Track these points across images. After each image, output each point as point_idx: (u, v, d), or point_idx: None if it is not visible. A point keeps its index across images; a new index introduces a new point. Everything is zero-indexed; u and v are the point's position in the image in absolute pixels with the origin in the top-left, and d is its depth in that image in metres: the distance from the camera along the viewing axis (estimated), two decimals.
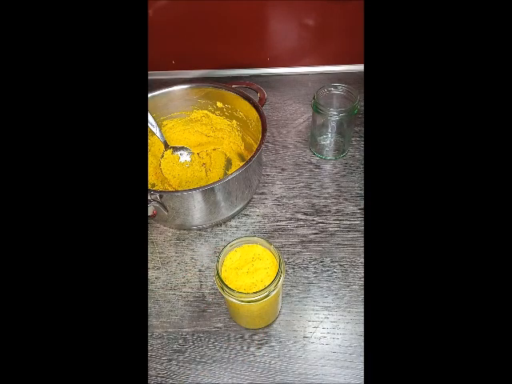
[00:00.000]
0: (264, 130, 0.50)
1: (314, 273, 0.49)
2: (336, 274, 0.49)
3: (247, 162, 0.47)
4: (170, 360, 0.43)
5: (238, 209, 0.54)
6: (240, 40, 0.74)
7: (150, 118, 0.55)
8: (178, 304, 0.47)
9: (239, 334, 0.44)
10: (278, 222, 0.55)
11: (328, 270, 0.49)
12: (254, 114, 0.54)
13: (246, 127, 0.59)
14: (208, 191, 0.46)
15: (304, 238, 0.53)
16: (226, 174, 0.61)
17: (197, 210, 0.49)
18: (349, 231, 0.53)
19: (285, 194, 0.58)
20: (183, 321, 0.46)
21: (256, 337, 0.44)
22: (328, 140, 0.63)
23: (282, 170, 0.62)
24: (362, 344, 0.43)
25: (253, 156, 0.47)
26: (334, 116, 0.57)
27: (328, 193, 0.58)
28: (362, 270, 0.49)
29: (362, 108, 0.68)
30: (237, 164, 0.61)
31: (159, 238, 0.54)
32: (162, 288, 0.49)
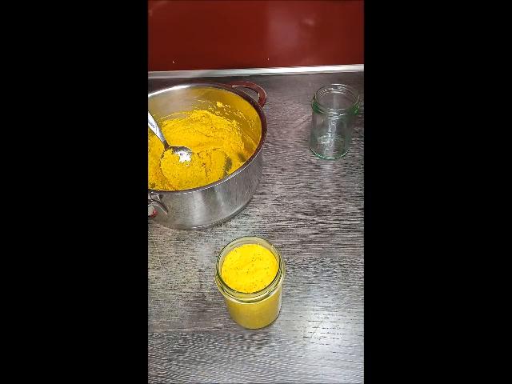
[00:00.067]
0: (264, 130, 0.50)
1: (314, 273, 0.49)
2: (336, 273, 0.49)
3: (247, 162, 0.47)
4: (170, 360, 0.43)
5: (238, 209, 0.54)
6: (240, 40, 0.74)
7: (150, 118, 0.55)
8: (178, 304, 0.47)
9: (239, 334, 0.44)
10: (277, 222, 0.55)
11: (328, 270, 0.49)
12: (253, 113, 0.54)
13: (246, 127, 0.59)
14: (208, 191, 0.46)
15: (304, 238, 0.53)
16: (226, 173, 0.61)
17: (197, 210, 0.49)
18: (349, 231, 0.53)
19: (285, 193, 0.58)
20: (183, 321, 0.46)
21: (256, 337, 0.44)
22: (328, 140, 0.63)
23: (282, 170, 0.62)
24: (362, 344, 0.43)
25: (253, 156, 0.47)
26: (334, 116, 0.57)
27: (328, 193, 0.58)
28: (362, 270, 0.49)
29: (362, 108, 0.68)
30: (237, 164, 0.61)
31: (159, 238, 0.54)
32: (162, 288, 0.49)
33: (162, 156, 0.58)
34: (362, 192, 0.57)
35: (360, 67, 0.77)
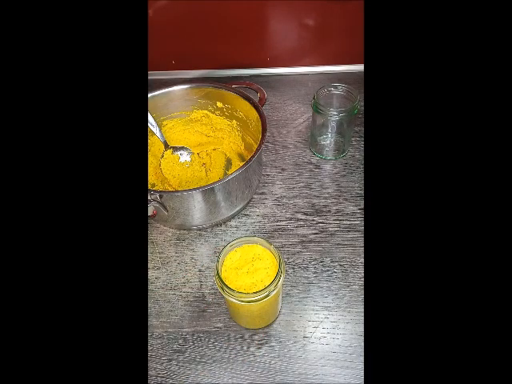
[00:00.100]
0: (264, 130, 0.50)
1: (314, 273, 0.49)
2: (336, 273, 0.49)
3: (247, 162, 0.47)
4: (170, 360, 0.43)
5: (238, 209, 0.54)
6: (240, 40, 0.74)
7: (150, 118, 0.55)
8: (178, 304, 0.47)
9: (239, 334, 0.44)
10: (277, 222, 0.55)
11: (328, 270, 0.49)
12: (254, 113, 0.54)
13: (246, 127, 0.59)
14: (208, 191, 0.46)
15: (304, 238, 0.53)
16: (226, 173, 0.61)
17: (197, 210, 0.49)
18: (349, 231, 0.53)
19: (285, 194, 0.58)
20: (183, 321, 0.46)
21: (256, 337, 0.44)
22: (328, 140, 0.63)
23: (282, 170, 0.62)
24: (362, 344, 0.43)
25: (253, 156, 0.47)
26: (334, 116, 0.57)
27: (328, 193, 0.58)
28: (362, 270, 0.49)
29: (362, 108, 0.68)
30: (237, 164, 0.61)
31: (159, 238, 0.54)
32: (162, 288, 0.49)
33: (162, 156, 0.58)
34: (362, 192, 0.57)
35: (360, 67, 0.77)
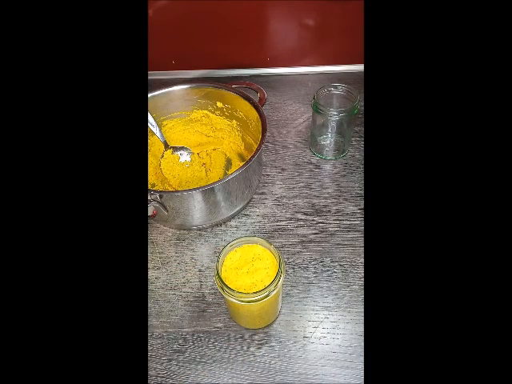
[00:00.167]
0: (264, 130, 0.50)
1: (314, 273, 0.49)
2: (336, 273, 0.49)
3: (247, 162, 0.47)
4: (170, 360, 0.43)
5: (238, 209, 0.54)
6: (240, 40, 0.74)
7: (150, 118, 0.55)
8: (178, 304, 0.47)
9: (239, 334, 0.44)
10: (277, 222, 0.55)
11: (328, 270, 0.49)
12: (254, 113, 0.54)
13: (246, 127, 0.59)
14: (208, 191, 0.46)
15: (304, 238, 0.53)
16: (226, 173, 0.61)
17: (197, 210, 0.49)
18: (349, 231, 0.53)
19: (285, 194, 0.58)
20: (183, 321, 0.46)
21: (256, 337, 0.44)
22: (328, 140, 0.63)
23: (282, 170, 0.62)
24: (362, 344, 0.43)
25: (253, 156, 0.47)
26: (334, 116, 0.57)
27: (328, 193, 0.58)
28: (362, 270, 0.49)
29: (362, 108, 0.68)
30: (237, 164, 0.61)
31: (159, 238, 0.54)
32: (162, 288, 0.49)
33: (162, 156, 0.58)
34: (362, 192, 0.57)
35: (360, 67, 0.77)
